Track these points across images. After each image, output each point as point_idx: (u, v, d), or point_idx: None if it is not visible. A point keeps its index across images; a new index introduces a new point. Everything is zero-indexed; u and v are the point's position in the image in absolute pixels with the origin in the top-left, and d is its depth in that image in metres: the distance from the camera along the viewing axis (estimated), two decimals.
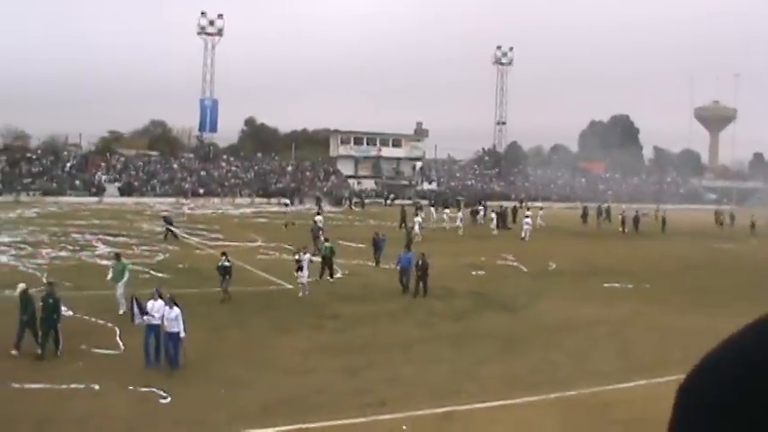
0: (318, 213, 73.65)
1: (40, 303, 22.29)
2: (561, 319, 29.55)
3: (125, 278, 28.47)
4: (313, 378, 20.84)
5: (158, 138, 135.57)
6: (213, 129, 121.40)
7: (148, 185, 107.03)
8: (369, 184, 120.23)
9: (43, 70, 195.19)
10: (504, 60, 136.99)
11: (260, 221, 71.91)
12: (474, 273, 41.10)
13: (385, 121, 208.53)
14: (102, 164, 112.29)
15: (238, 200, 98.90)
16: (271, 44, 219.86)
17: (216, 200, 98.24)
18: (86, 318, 26.42)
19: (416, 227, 53.78)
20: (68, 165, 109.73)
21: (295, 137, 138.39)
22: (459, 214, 69.26)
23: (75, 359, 22.17)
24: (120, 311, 26.73)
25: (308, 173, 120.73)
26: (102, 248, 46.64)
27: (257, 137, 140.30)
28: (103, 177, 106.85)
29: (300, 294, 32.03)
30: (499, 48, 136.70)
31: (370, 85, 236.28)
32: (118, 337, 24.22)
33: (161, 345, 21.55)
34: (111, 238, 51.62)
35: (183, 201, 75.67)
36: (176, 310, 21.41)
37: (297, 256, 33.35)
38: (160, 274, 36.29)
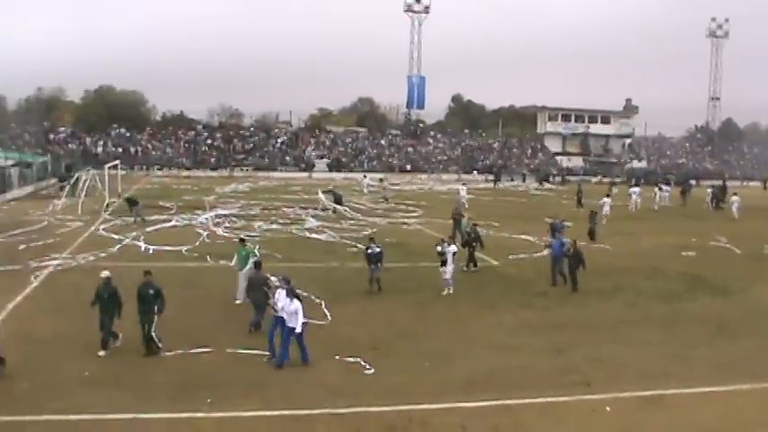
0: (464, 184, 72.69)
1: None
2: None
3: (249, 265, 25.83)
4: (518, 355, 20.77)
5: (366, 115, 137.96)
6: (420, 106, 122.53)
7: (356, 161, 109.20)
8: (577, 162, 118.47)
9: (255, 50, 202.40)
10: (718, 33, 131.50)
11: (468, 197, 71.78)
12: (684, 253, 39.68)
13: (593, 98, 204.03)
14: (312, 140, 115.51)
15: (445, 176, 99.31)
16: (477, 21, 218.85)
17: (423, 176, 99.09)
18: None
19: (606, 207, 51.35)
20: (279, 141, 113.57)
21: (502, 113, 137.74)
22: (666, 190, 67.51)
23: None
24: (238, 301, 25.71)
25: (514, 150, 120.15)
26: (312, 222, 47.92)
27: (464, 113, 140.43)
28: (313, 153, 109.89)
29: (445, 293, 28.02)
30: (714, 19, 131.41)
31: (579, 61, 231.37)
32: (324, 308, 24.85)
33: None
34: (320, 213, 52.95)
35: (364, 178, 75.59)
36: (297, 303, 19.68)
37: (439, 248, 28.73)
38: None
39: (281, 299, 19.80)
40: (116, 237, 39.49)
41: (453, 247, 28.85)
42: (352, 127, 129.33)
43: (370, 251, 28.41)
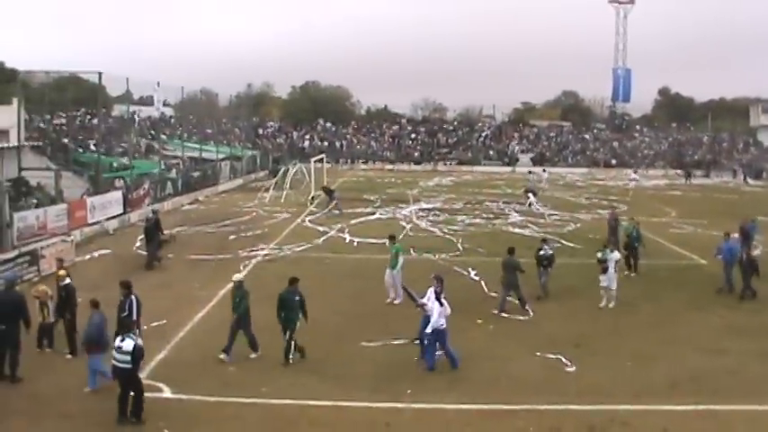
0: (635, 178, 69.88)
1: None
2: None
3: (400, 263, 25.45)
4: (725, 358, 20.02)
5: (570, 108, 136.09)
6: (626, 99, 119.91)
7: (560, 156, 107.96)
8: None
9: (458, 44, 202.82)
10: None
11: (674, 194, 70.08)
12: None
13: None
14: (516, 134, 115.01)
15: (651, 171, 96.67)
16: (685, 9, 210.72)
17: (629, 171, 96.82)
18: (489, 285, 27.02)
19: None
20: (483, 135, 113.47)
21: (712, 106, 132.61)
22: None
23: (487, 323, 23.02)
24: (391, 300, 25.24)
25: (725, 144, 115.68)
26: (515, 217, 47.75)
27: (672, 107, 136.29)
28: (516, 147, 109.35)
29: (601, 305, 25.26)
30: None
31: None
32: (526, 305, 24.66)
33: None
34: (523, 207, 52.64)
35: (538, 171, 73.91)
36: (437, 305, 18.95)
37: (600, 254, 26.17)
38: (570, 244, 36.48)
39: (431, 298, 19.32)
40: (321, 228, 40.57)
41: (616, 254, 26.64)
42: (555, 121, 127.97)
43: (542, 253, 26.77)
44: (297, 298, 19.34)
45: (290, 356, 18.94)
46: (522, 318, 23.68)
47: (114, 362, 15.52)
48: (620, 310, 24.98)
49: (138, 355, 15.43)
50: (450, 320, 21.43)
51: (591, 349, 20.58)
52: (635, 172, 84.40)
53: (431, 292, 19.42)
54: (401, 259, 25.70)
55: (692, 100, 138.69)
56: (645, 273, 30.62)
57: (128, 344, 15.33)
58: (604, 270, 25.53)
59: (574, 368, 18.95)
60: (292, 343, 19.04)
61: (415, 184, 72.50)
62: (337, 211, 47.25)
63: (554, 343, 20.80)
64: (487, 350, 20.29)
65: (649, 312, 24.90)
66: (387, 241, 27.38)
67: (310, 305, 20.01)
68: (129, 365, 15.31)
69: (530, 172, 71.33)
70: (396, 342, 20.59)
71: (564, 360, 19.41)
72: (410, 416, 15.94)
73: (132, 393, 15.42)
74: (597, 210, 53.10)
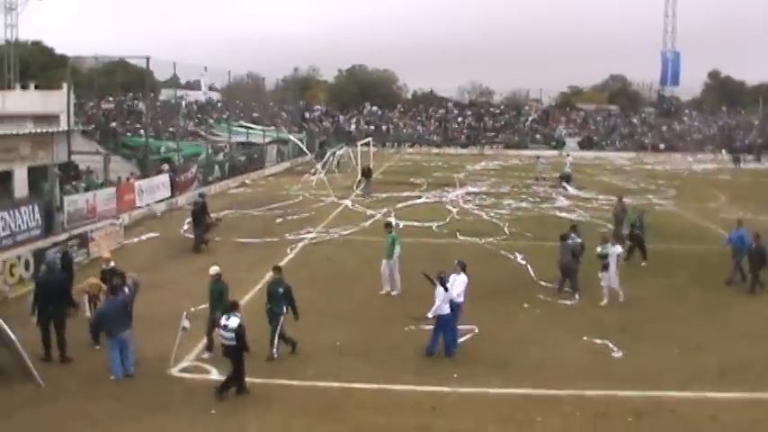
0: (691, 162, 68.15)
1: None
2: None
3: (396, 252, 24.53)
4: None
5: (618, 92, 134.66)
6: (675, 82, 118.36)
7: (608, 140, 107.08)
8: None
9: (505, 27, 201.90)
10: None
11: (724, 179, 69.12)
12: None
13: None
14: (563, 118, 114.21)
15: (700, 156, 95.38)
16: None
17: (678, 156, 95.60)
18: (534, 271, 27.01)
19: None
20: (530, 119, 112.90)
21: (763, 90, 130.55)
22: None
23: (533, 308, 22.92)
24: (386, 292, 24.50)
25: None
26: (562, 201, 47.47)
27: (722, 90, 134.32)
28: (563, 131, 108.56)
29: (603, 303, 23.55)
30: None
31: None
32: (576, 293, 24.46)
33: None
34: (571, 191, 52.22)
35: (567, 156, 71.85)
36: (440, 290, 18.53)
37: (600, 249, 24.14)
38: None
39: (458, 283, 19.22)
40: (368, 212, 40.58)
41: (618, 248, 24.62)
42: (603, 104, 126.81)
43: (570, 242, 24.96)
44: (280, 289, 18.61)
45: (275, 351, 18.20)
46: (568, 302, 23.55)
47: (222, 340, 16.16)
48: (666, 295, 24.80)
49: (242, 332, 15.92)
50: (497, 305, 21.47)
51: (637, 335, 20.42)
52: (692, 158, 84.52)
53: (458, 277, 19.35)
54: (398, 248, 24.70)
55: (743, 83, 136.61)
56: (694, 258, 30.39)
57: (233, 321, 15.88)
58: (605, 266, 23.77)
59: (620, 354, 18.82)
60: (276, 337, 18.28)
61: (462, 168, 72.25)
62: (366, 197, 47.29)
63: (600, 328, 20.70)
64: (533, 335, 20.25)
65: (697, 298, 24.64)
66: (386, 229, 26.07)
67: (357, 288, 20.09)
68: (234, 342, 15.89)
69: (538, 157, 69.90)
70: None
71: (610, 345, 19.29)
72: (456, 399, 15.94)
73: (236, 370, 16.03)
74: (646, 195, 52.49)
